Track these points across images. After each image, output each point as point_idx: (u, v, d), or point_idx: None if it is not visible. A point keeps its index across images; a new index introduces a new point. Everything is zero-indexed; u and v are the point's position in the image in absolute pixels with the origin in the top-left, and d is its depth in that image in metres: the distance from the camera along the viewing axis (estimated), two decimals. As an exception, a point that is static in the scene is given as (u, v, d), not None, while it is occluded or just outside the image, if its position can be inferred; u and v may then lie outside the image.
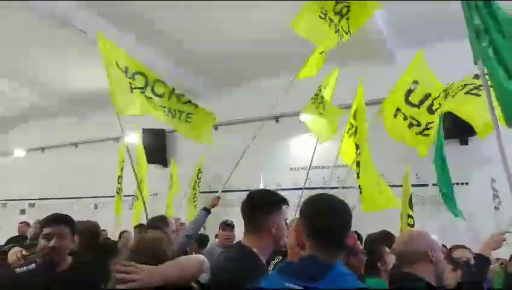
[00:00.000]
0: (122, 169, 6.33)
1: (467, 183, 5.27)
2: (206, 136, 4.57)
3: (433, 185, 5.15)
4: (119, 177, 6.52)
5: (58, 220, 2.09)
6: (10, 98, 8.77)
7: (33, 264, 1.96)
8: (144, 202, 4.29)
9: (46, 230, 2.02)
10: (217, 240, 4.68)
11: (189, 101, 4.19)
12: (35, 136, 9.84)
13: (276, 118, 7.09)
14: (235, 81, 7.46)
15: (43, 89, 8.16)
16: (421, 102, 3.66)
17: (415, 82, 3.70)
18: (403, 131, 3.76)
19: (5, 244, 4.55)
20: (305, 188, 4.62)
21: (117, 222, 6.28)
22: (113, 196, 6.76)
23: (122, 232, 5.25)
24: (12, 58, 6.81)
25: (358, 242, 2.40)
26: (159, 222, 3.07)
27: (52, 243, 1.98)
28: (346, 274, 1.21)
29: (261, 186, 6.50)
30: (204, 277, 1.54)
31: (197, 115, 4.29)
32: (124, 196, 6.22)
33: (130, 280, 1.29)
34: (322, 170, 5.46)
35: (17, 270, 1.92)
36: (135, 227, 5.00)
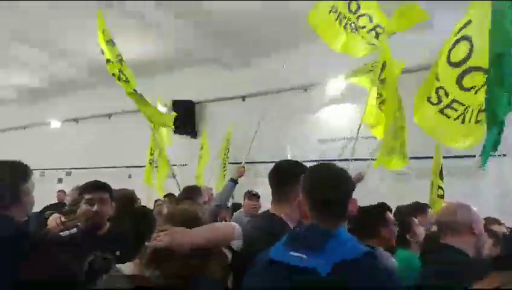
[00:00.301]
0: (154, 140, 6.43)
1: (504, 155, 5.06)
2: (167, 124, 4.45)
3: (465, 156, 4.98)
4: (151, 148, 6.65)
5: (99, 186, 2.19)
6: (44, 70, 9.03)
7: (74, 229, 2.07)
8: (172, 172, 4.39)
9: (88, 196, 2.12)
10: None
11: (135, 91, 4.07)
12: (69, 107, 10.14)
13: (305, 88, 6.98)
14: (263, 52, 7.35)
15: (76, 60, 8.35)
16: (461, 62, 2.84)
17: (469, 22, 2.79)
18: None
19: (43, 211, 4.83)
20: (335, 160, 4.57)
21: (149, 191, 6.47)
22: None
23: (156, 201, 5.45)
24: (45, 28, 6.97)
25: (389, 213, 2.38)
26: (192, 192, 3.15)
27: (95, 207, 2.08)
28: (347, 240, 1.22)
29: (289, 158, 6.50)
30: (236, 243, 1.58)
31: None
32: (156, 167, 6.36)
33: (162, 239, 1.34)
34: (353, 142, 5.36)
35: (61, 234, 2.03)
36: (165, 196, 5.17)
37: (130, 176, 8.77)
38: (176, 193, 4.34)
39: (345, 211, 1.28)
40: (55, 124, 10.62)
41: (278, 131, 6.85)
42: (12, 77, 9.81)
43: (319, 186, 1.29)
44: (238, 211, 4.95)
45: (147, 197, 6.06)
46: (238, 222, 4.18)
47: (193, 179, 6.49)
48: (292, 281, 1.15)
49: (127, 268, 1.37)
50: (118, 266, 1.39)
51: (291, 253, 1.19)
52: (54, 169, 10.61)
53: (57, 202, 6.57)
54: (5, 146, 11.52)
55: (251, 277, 1.31)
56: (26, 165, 1.77)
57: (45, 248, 1.77)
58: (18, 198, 1.67)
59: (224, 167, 6.82)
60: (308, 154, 6.71)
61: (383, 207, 2.37)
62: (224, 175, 6.62)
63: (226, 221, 4.86)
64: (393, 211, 3.08)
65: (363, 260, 1.16)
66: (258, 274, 1.29)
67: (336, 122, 6.50)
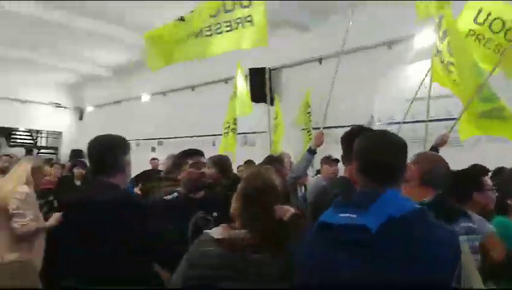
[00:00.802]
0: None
1: None
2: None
3: None
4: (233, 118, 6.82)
5: (198, 152, 2.34)
6: (134, 48, 9.63)
7: (175, 193, 2.26)
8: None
9: (192, 160, 2.27)
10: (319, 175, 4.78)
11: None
12: (157, 81, 10.75)
13: (389, 44, 6.51)
14: (340, 8, 6.95)
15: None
16: None
17: None
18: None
19: (138, 177, 5.40)
20: (425, 121, 4.20)
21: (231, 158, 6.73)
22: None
23: (238, 167, 5.74)
24: (126, 7, 7.41)
25: (486, 177, 2.19)
26: (272, 162, 3.27)
27: (203, 169, 2.25)
28: (397, 199, 1.19)
29: (375, 120, 6.22)
30: None
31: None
32: (238, 133, 6.54)
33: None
34: (445, 100, 4.84)
35: (166, 198, 2.24)
36: (245, 162, 5.46)
37: (214, 144, 9.19)
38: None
39: (394, 175, 1.27)
40: (145, 97, 11.46)
41: (361, 92, 6.54)
42: (108, 55, 10.70)
43: (367, 150, 1.29)
44: (316, 176, 4.97)
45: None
46: (316, 186, 4.22)
47: (268, 147, 6.54)
48: (342, 240, 1.16)
49: (215, 232, 1.46)
50: (206, 231, 1.50)
51: (340, 215, 1.21)
52: (147, 139, 11.53)
53: (151, 168, 7.16)
54: (104, 120, 12.81)
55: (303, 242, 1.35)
56: (125, 138, 1.98)
57: (151, 210, 1.98)
58: (123, 168, 1.91)
59: (308, 133, 6.78)
60: (394, 115, 6.34)
61: (477, 170, 2.19)
62: (309, 140, 6.57)
63: (305, 185, 4.93)
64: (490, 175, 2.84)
65: (413, 216, 1.15)
66: (308, 238, 1.32)
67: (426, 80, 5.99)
